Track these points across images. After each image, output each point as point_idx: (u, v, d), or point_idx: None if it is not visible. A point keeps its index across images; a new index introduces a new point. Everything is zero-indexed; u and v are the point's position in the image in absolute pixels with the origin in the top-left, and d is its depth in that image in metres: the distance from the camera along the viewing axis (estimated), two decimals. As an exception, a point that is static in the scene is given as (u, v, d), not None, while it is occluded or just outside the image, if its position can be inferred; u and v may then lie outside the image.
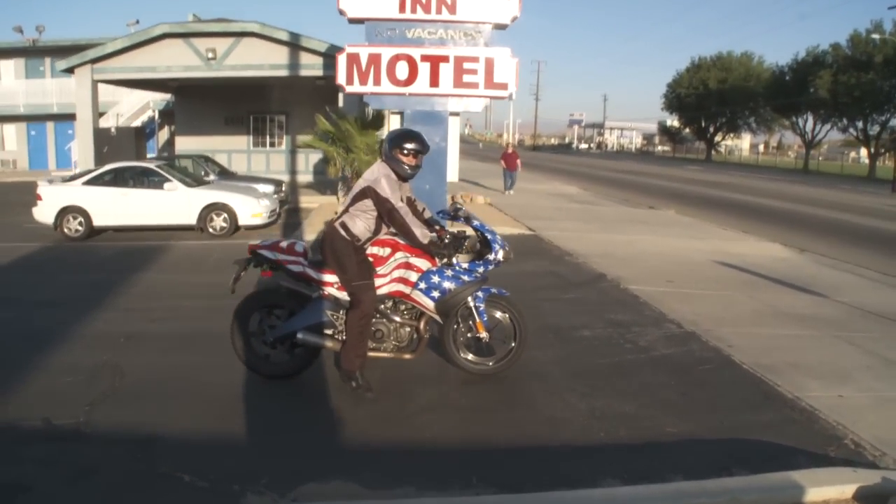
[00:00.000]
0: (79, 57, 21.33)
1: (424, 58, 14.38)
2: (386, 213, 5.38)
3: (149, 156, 27.66)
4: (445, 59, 14.41)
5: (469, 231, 5.94)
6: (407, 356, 5.77)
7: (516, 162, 24.97)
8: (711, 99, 75.51)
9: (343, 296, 5.58)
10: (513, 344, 5.94)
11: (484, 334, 5.81)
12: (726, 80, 74.41)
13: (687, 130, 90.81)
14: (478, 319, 5.78)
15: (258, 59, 21.42)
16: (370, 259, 5.58)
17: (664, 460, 4.55)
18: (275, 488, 4.10)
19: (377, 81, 14.45)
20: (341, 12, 14.08)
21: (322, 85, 21.55)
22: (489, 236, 5.77)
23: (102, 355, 6.42)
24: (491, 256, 5.71)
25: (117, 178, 14.52)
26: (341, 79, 14.51)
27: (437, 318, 5.70)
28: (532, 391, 5.77)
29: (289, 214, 18.43)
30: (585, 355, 6.69)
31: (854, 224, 19.62)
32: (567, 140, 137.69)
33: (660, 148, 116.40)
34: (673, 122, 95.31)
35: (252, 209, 14.72)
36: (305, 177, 27.71)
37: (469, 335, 5.91)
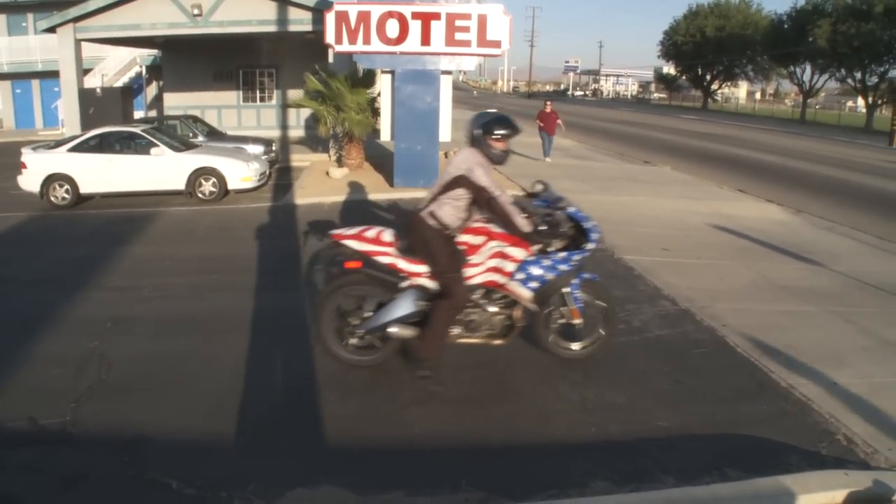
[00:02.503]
0: (60, 16, 20.78)
1: (415, 15, 14.14)
2: (485, 203, 5.28)
3: (137, 114, 27.20)
4: (437, 16, 14.18)
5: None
6: (497, 342, 5.67)
7: (556, 123, 21.28)
8: (709, 47, 74.44)
9: (434, 285, 5.43)
10: (601, 331, 5.90)
11: (579, 321, 5.76)
12: (724, 27, 73.29)
13: (683, 78, 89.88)
14: (573, 307, 5.72)
15: (245, 15, 20.94)
16: (462, 248, 5.42)
17: (655, 459, 4.50)
18: (263, 494, 4.04)
19: (367, 40, 14.23)
20: (329, -30, 13.82)
21: (312, 38, 21.14)
22: (585, 224, 5.58)
23: (89, 342, 6.32)
24: (589, 246, 5.56)
25: (103, 144, 14.25)
26: (330, 38, 14.28)
27: (532, 307, 5.58)
28: (524, 379, 5.68)
29: (279, 174, 18.19)
30: (578, 338, 6.60)
31: (852, 182, 19.43)
32: (562, 87, 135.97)
33: (656, 95, 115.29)
34: (669, 69, 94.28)
35: (241, 173, 14.51)
36: (297, 132, 27.38)
37: (561, 321, 5.83)
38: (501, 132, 5.36)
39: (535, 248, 5.50)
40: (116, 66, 31.32)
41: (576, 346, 5.95)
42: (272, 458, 4.49)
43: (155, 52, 29.80)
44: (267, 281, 8.44)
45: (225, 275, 8.73)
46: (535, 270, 5.46)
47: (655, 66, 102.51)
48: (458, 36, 14.22)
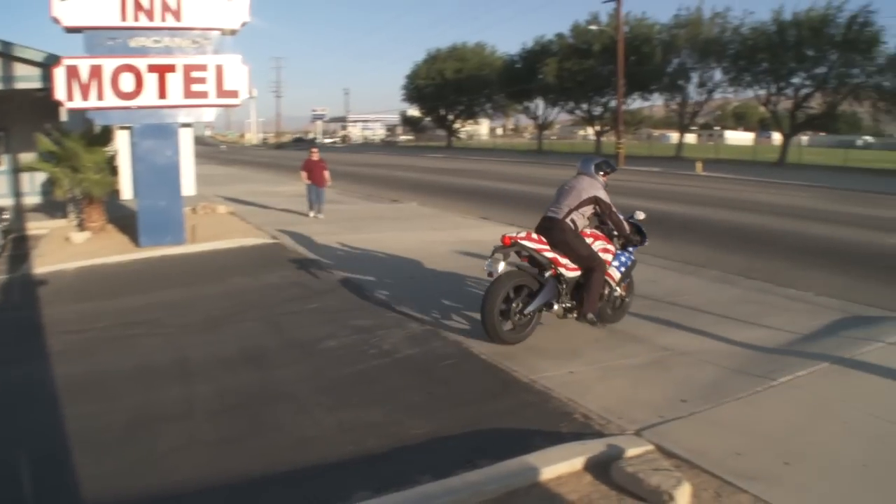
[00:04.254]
0: None
1: (151, 68, 13.83)
2: (609, 215, 7.64)
3: None
4: (172, 68, 13.96)
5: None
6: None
7: (324, 173, 19.19)
8: (449, 88, 78.71)
9: (571, 274, 7.42)
10: (627, 298, 8.25)
11: (625, 294, 8.15)
12: (462, 69, 77.93)
13: (428, 119, 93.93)
14: (623, 283, 8.04)
15: (-37, 72, 19.38)
16: None
17: (412, 463, 4.79)
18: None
19: (101, 95, 13.68)
20: (55, 20, 13.13)
21: (43, 97, 19.93)
22: (643, 228, 8.22)
23: None
24: (647, 243, 8.33)
25: None
26: (60, 94, 13.61)
27: (615, 285, 7.84)
28: (281, 413, 5.80)
29: (15, 244, 16.90)
30: (332, 367, 6.83)
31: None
32: (310, 135, 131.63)
33: (403, 137, 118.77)
34: (414, 112, 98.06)
35: (-31, 245, 13.38)
36: (33, 198, 25.43)
37: (615, 295, 7.98)
38: (609, 169, 7.97)
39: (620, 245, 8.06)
40: None
41: (618, 313, 8.11)
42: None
43: None
44: (5, 354, 7.92)
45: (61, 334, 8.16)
46: (624, 259, 7.99)
47: (401, 109, 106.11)
48: (196, 87, 14.08)
